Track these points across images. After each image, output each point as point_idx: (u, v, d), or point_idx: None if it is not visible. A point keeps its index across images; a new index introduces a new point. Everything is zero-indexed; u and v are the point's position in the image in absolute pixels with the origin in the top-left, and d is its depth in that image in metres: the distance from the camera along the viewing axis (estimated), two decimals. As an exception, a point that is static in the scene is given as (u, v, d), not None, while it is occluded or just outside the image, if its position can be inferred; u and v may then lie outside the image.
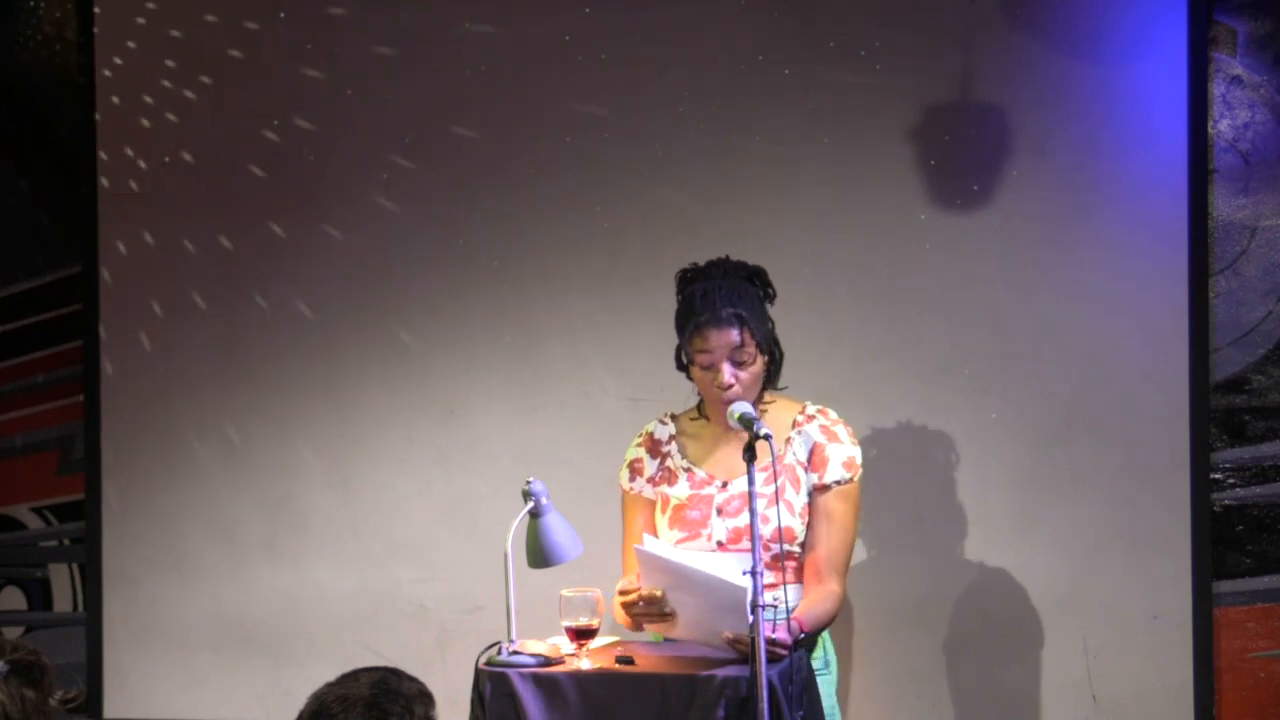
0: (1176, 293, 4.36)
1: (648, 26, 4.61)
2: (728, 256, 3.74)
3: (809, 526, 3.69)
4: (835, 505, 3.69)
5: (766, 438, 3.35)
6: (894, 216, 4.48)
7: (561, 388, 4.68)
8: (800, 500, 3.69)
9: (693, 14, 4.58)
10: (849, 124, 4.51)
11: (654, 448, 3.83)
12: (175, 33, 4.91)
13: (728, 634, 3.36)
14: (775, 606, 3.31)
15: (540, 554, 3.60)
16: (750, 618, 3.23)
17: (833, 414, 3.77)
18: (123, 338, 4.96)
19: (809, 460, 3.70)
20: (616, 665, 3.41)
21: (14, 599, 5.12)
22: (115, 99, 4.95)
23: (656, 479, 3.80)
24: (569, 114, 4.67)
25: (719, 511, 3.69)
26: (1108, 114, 4.38)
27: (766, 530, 3.43)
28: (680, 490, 3.74)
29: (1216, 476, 4.39)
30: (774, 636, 3.32)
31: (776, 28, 4.54)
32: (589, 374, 4.67)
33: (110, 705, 4.98)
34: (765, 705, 3.17)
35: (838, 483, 3.69)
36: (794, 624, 3.46)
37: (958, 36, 4.44)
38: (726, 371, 3.62)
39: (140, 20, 4.93)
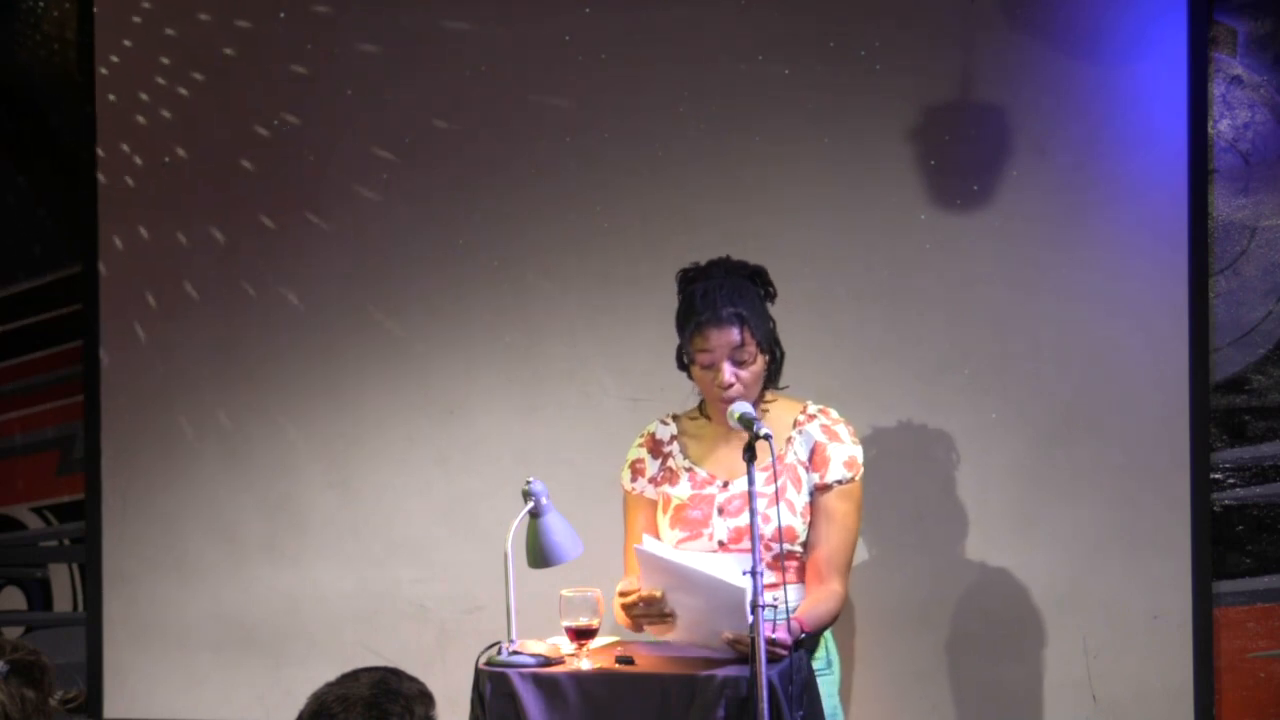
0: (1176, 293, 4.35)
1: (648, 26, 4.61)
2: (728, 256, 3.74)
3: (810, 526, 3.70)
4: (837, 505, 3.69)
5: (766, 438, 3.35)
6: (894, 216, 4.48)
7: (561, 388, 4.68)
8: (801, 500, 3.69)
9: (693, 14, 4.58)
10: (849, 124, 4.51)
11: (655, 448, 3.83)
12: (170, 30, 4.91)
13: (727, 634, 3.36)
14: (775, 606, 3.31)
15: (540, 554, 3.60)
16: (750, 618, 3.23)
17: (834, 413, 3.77)
18: (123, 338, 4.96)
19: (810, 460, 3.70)
20: (616, 665, 3.41)
21: (14, 599, 5.12)
22: (112, 96, 4.95)
23: (658, 479, 3.80)
24: (569, 114, 4.67)
25: (720, 511, 3.69)
26: (1108, 114, 4.38)
27: (768, 530, 3.43)
28: (682, 490, 3.74)
29: (1216, 476, 4.39)
30: (774, 636, 3.32)
31: (776, 28, 4.54)
32: (589, 374, 4.66)
33: (110, 705, 4.98)
34: (765, 705, 3.17)
35: (839, 482, 3.69)
36: (794, 624, 3.46)
37: (958, 36, 4.44)
38: (727, 371, 3.62)
39: (136, 19, 4.94)
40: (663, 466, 3.80)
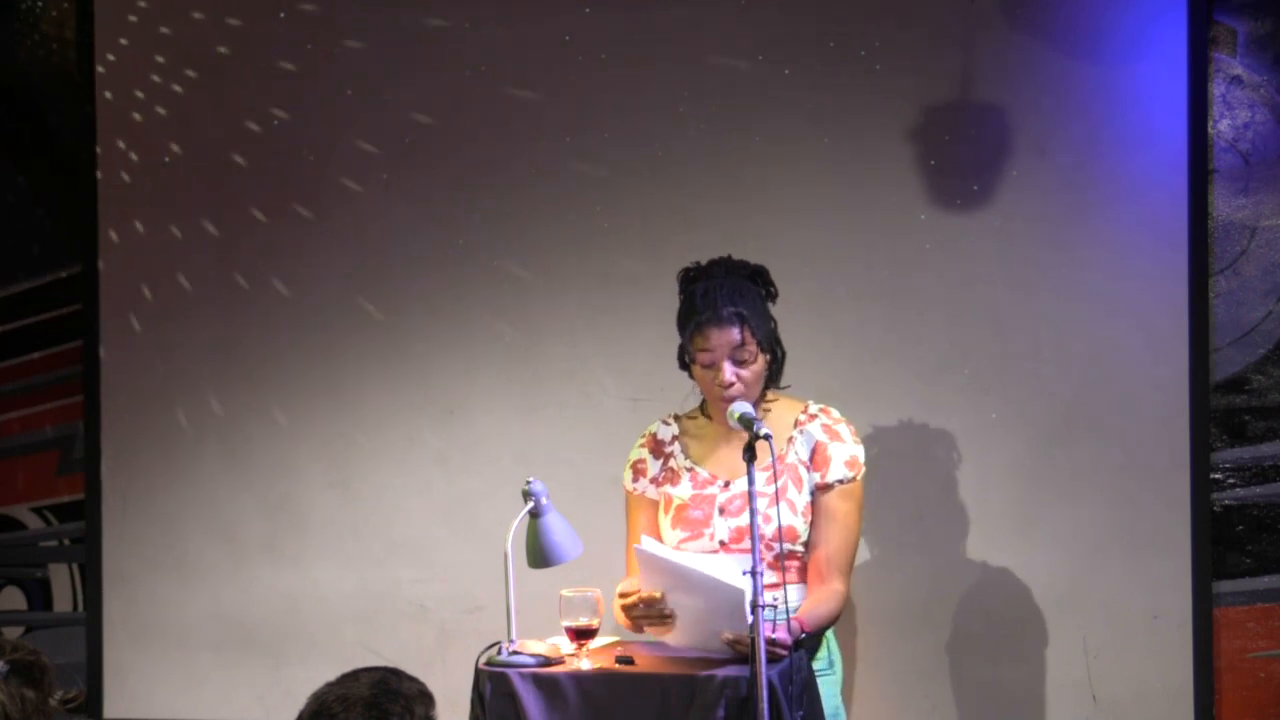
0: (1176, 293, 4.35)
1: (648, 26, 4.61)
2: (729, 256, 3.74)
3: (812, 526, 3.69)
4: (838, 504, 3.69)
5: (766, 438, 3.35)
6: (894, 216, 4.48)
7: (561, 388, 4.68)
8: (803, 499, 3.68)
9: (693, 14, 4.58)
10: (849, 124, 4.51)
11: (657, 448, 3.83)
12: (165, 29, 4.91)
13: (727, 634, 3.36)
14: (775, 606, 3.31)
15: (540, 554, 3.60)
16: (750, 618, 3.23)
17: (835, 413, 3.77)
18: (123, 337, 4.96)
19: (811, 459, 3.70)
20: (616, 665, 3.41)
21: (14, 599, 5.12)
22: (109, 94, 4.95)
23: (660, 479, 3.79)
24: (569, 114, 4.67)
25: (721, 511, 3.69)
26: (1108, 114, 4.38)
27: (768, 530, 3.43)
28: (683, 490, 3.74)
29: (1216, 476, 4.39)
30: (774, 636, 3.32)
31: (776, 28, 4.54)
32: (589, 374, 4.66)
33: (110, 705, 4.98)
34: (765, 705, 3.17)
35: (840, 482, 3.69)
36: (794, 624, 3.46)
37: (958, 36, 4.44)
38: (727, 370, 3.62)
39: (133, 18, 4.94)
40: (664, 467, 3.80)
